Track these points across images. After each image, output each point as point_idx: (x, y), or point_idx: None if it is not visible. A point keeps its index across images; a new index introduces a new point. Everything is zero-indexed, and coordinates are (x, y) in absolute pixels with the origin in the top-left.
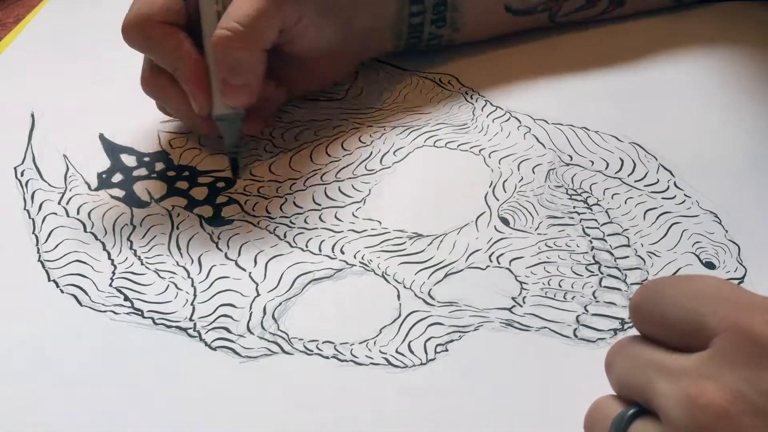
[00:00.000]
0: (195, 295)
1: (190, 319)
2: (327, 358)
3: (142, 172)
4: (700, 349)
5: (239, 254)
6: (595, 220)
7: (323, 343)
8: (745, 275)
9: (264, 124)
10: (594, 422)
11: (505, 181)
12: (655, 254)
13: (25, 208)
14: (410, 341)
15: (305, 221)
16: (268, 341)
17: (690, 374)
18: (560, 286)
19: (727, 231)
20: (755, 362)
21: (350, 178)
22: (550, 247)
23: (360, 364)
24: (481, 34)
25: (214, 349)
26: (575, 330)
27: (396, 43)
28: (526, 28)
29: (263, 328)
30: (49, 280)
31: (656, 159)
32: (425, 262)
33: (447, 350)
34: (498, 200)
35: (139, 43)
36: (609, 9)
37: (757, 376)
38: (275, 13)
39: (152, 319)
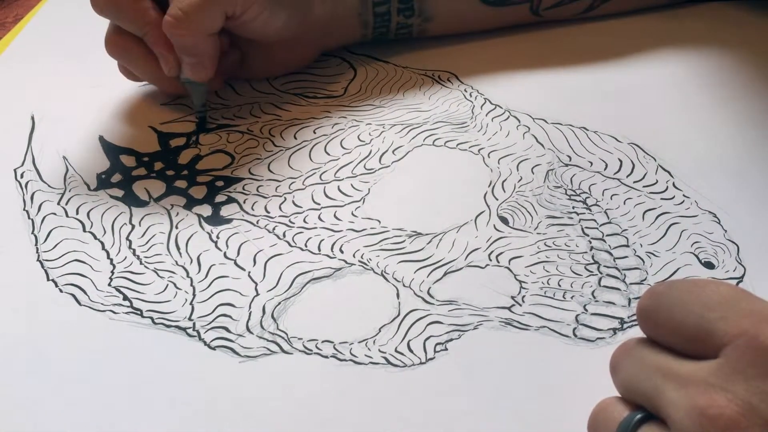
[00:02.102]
0: (194, 295)
1: (189, 319)
2: (326, 357)
3: (141, 171)
4: (709, 356)
5: (238, 253)
6: (594, 221)
7: (322, 342)
8: (744, 275)
9: (220, 84)
10: (598, 424)
11: (504, 180)
12: (654, 254)
13: (24, 209)
14: (409, 340)
15: (304, 220)
16: (268, 341)
17: (699, 383)
18: (559, 286)
19: (726, 231)
20: (767, 374)
21: (349, 177)
22: (549, 246)
23: (359, 363)
24: (456, 25)
25: (214, 348)
26: (574, 329)
27: (363, 32)
28: (510, 23)
29: (262, 327)
30: (48, 279)
31: (655, 160)
32: (424, 260)
33: (446, 349)
34: (497, 200)
35: (108, 9)
36: (595, 4)
37: None
38: (218, 1)
39: (151, 318)
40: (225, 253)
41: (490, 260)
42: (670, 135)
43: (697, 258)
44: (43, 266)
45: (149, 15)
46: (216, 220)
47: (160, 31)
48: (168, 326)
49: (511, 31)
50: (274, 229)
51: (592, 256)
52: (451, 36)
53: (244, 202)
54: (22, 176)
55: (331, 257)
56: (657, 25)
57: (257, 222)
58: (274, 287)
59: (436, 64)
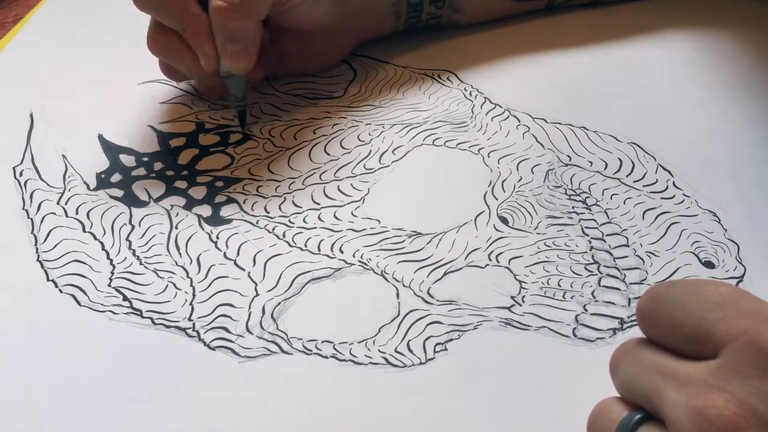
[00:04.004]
0: (194, 295)
1: (189, 319)
2: (326, 357)
3: (141, 171)
4: (709, 357)
5: (238, 254)
6: (594, 221)
7: (322, 342)
8: (744, 274)
9: (260, 75)
10: (598, 424)
11: (504, 180)
12: (654, 254)
13: (23, 208)
14: (409, 340)
15: (304, 220)
16: (267, 341)
17: (698, 383)
18: (559, 286)
19: (726, 230)
20: (765, 374)
21: (349, 177)
22: (549, 246)
23: (359, 363)
24: (482, 16)
25: (213, 348)
26: (574, 329)
27: (395, 23)
28: (525, 11)
29: (262, 327)
30: (48, 279)
31: (655, 159)
32: (424, 260)
33: (446, 349)
34: (497, 199)
35: (150, 5)
36: None
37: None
38: None
39: (151, 318)
40: (225, 254)
41: (490, 260)
42: (670, 134)
43: (698, 257)
44: (42, 266)
45: (190, 8)
46: (216, 220)
47: (200, 25)
48: (168, 326)
49: (511, 30)
50: (273, 229)
51: (592, 256)
52: (451, 35)
53: (244, 203)
54: (21, 174)
55: (330, 257)
56: (657, 25)
57: (257, 222)
58: (274, 287)
59: (435, 64)
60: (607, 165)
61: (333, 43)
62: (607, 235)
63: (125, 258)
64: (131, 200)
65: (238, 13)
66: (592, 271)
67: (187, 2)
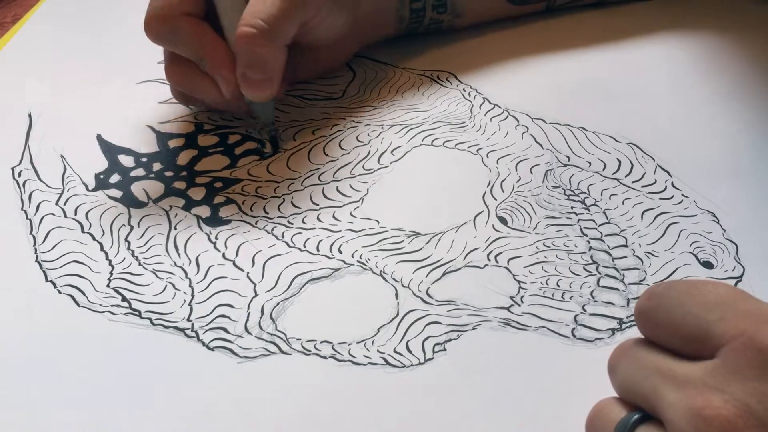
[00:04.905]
0: (193, 296)
1: (188, 320)
2: (325, 358)
3: (140, 172)
4: (707, 357)
5: (237, 254)
6: (593, 221)
7: (321, 342)
8: (743, 274)
9: (282, 93)
10: (596, 425)
11: (503, 181)
12: (652, 254)
13: (22, 209)
14: (408, 340)
15: (303, 221)
16: (266, 341)
17: (696, 384)
18: (558, 286)
19: (724, 230)
20: (764, 375)
21: (348, 177)
22: (548, 246)
23: (358, 363)
24: (480, 19)
25: (212, 349)
26: (573, 330)
27: (398, 27)
28: (525, 14)
29: (261, 328)
30: (46, 280)
31: (654, 159)
32: (423, 260)
33: (445, 350)
34: (496, 200)
35: (164, 36)
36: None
37: (766, 389)
38: (300, 9)
39: (150, 319)
40: (224, 254)
41: (489, 260)
42: (669, 134)
43: (696, 258)
44: (41, 267)
45: (207, 37)
46: (215, 221)
47: (220, 55)
48: (166, 327)
49: (511, 30)
50: (272, 229)
51: (591, 257)
52: (451, 37)
53: (243, 203)
54: (19, 175)
55: (329, 257)
56: (655, 26)
57: (256, 223)
58: (273, 288)
59: (435, 65)
60: (605, 165)
61: (341, 50)
62: (605, 236)
63: (124, 258)
64: (130, 201)
65: (266, 39)
66: (590, 272)
67: (204, 31)
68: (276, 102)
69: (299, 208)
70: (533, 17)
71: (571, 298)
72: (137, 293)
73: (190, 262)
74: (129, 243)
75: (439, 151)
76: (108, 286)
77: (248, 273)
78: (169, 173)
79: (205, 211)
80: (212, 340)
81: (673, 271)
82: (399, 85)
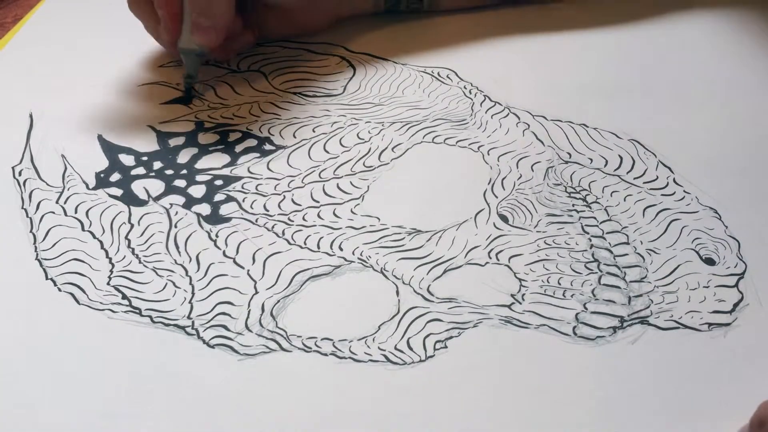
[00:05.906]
0: (193, 293)
1: (188, 317)
2: (325, 355)
3: (140, 171)
4: None
5: (237, 252)
6: (594, 218)
7: (321, 340)
8: (745, 271)
9: (228, 56)
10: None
11: (503, 178)
12: (654, 251)
13: (22, 207)
14: (409, 338)
15: (303, 218)
16: (267, 339)
17: None
18: (559, 284)
19: (727, 227)
20: None
21: (348, 174)
22: (549, 244)
23: (359, 360)
24: (464, 1)
25: (212, 346)
26: (574, 328)
27: (375, 2)
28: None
29: (261, 325)
30: (46, 278)
31: (655, 156)
32: (424, 258)
33: (446, 347)
34: (497, 197)
35: None
36: None
37: None
38: None
39: (150, 317)
40: (224, 252)
41: (490, 258)
42: (671, 131)
43: (698, 254)
44: (41, 265)
45: None
46: (215, 218)
47: None
48: (167, 325)
49: (511, 29)
50: (273, 227)
51: (592, 254)
52: (451, 35)
53: (243, 201)
54: (20, 174)
55: (330, 255)
56: (658, 21)
57: (256, 220)
58: (273, 285)
59: (435, 62)
60: (607, 162)
61: (311, 16)
62: (607, 233)
63: (124, 256)
64: (130, 199)
65: None
66: (592, 269)
67: None
68: (208, 58)
69: (300, 205)
70: (534, 12)
71: (572, 296)
72: (137, 291)
73: (190, 260)
74: (129, 241)
75: (440, 149)
76: (108, 284)
77: (248, 270)
78: (169, 171)
79: (205, 208)
80: (213, 338)
81: (675, 268)
82: (400, 81)
